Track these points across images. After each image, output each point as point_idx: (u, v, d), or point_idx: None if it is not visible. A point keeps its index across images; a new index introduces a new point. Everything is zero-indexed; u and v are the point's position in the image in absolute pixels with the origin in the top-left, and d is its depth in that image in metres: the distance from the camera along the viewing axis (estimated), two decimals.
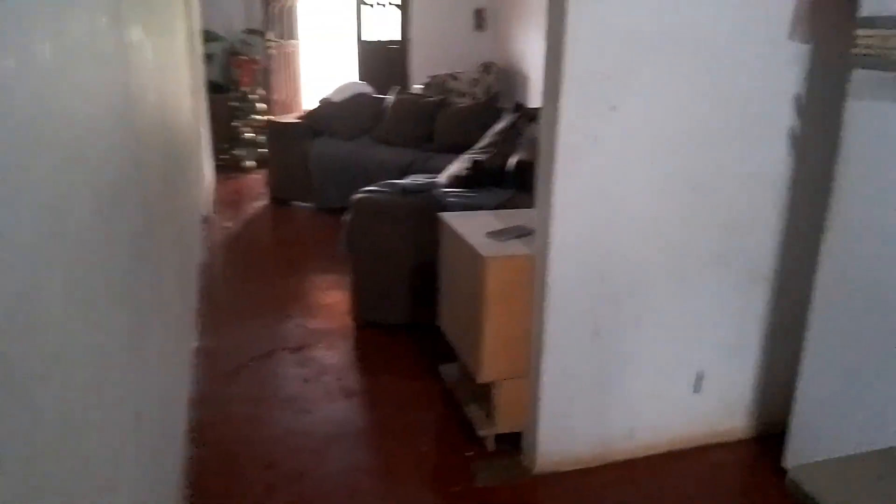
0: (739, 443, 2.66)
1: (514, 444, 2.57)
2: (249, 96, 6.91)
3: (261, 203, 5.90)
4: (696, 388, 2.54)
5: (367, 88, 6.14)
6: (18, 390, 0.78)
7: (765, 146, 2.34)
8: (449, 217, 2.74)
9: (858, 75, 1.99)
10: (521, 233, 2.57)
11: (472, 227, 2.63)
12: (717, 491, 2.48)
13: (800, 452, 2.34)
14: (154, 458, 1.71)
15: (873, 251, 2.05)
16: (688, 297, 2.43)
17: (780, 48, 2.25)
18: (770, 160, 2.37)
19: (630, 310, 2.38)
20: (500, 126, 4.15)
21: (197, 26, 5.53)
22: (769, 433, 2.65)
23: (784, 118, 2.33)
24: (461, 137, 5.12)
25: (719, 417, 2.62)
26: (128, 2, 1.92)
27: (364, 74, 7.69)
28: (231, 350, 3.32)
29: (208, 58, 6.71)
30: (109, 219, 1.36)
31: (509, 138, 3.93)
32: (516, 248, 2.44)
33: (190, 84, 4.49)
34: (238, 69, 6.95)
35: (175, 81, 3.35)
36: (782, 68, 2.28)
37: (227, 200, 6.02)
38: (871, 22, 1.91)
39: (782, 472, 2.39)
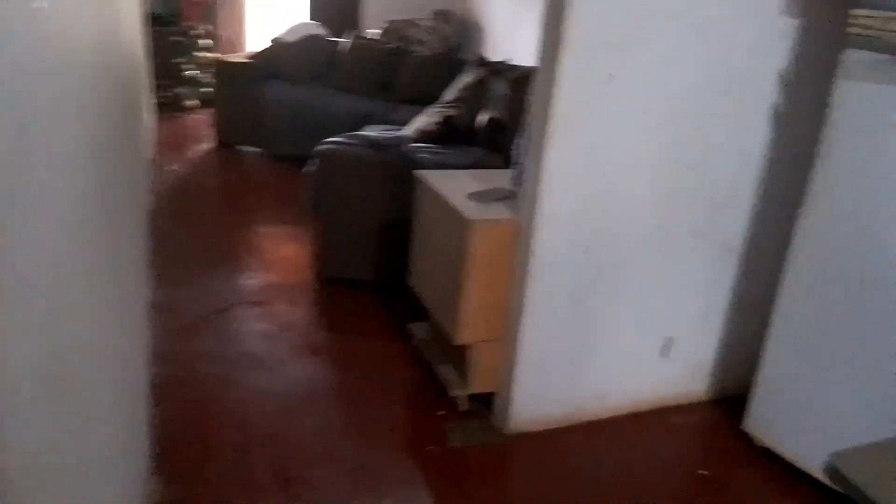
0: (701, 405, 2.77)
1: (484, 404, 2.59)
2: (193, 32, 6.52)
3: (206, 146, 5.64)
4: (664, 352, 2.61)
5: (320, 30, 5.88)
6: (68, 377, 0.71)
7: (750, 123, 2.37)
8: (427, 175, 2.68)
9: (851, 55, 2.02)
10: (502, 195, 2.54)
11: (451, 187, 2.58)
12: (680, 449, 2.58)
13: (760, 417, 2.45)
14: (126, 430, 1.62)
15: (848, 230, 2.12)
16: (664, 269, 2.47)
17: (773, 23, 2.25)
18: (754, 137, 2.40)
19: (609, 280, 2.40)
20: (466, 80, 4.06)
21: None
22: (730, 396, 2.77)
23: (770, 95, 2.36)
24: (422, 89, 4.99)
25: (684, 381, 2.71)
26: None
27: (314, 15, 7.36)
28: (188, 304, 3.19)
29: None
30: (105, 176, 1.25)
31: (477, 94, 3.85)
32: (500, 212, 2.41)
33: (138, 14, 4.18)
34: (181, 1, 6.54)
35: (130, 11, 3.11)
36: (773, 44, 2.29)
37: (170, 142, 5.72)
38: (870, 2, 1.93)
39: (742, 433, 2.51)
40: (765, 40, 2.26)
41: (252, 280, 3.49)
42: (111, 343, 1.17)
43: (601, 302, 2.42)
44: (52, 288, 0.66)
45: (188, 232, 4.10)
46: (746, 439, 2.51)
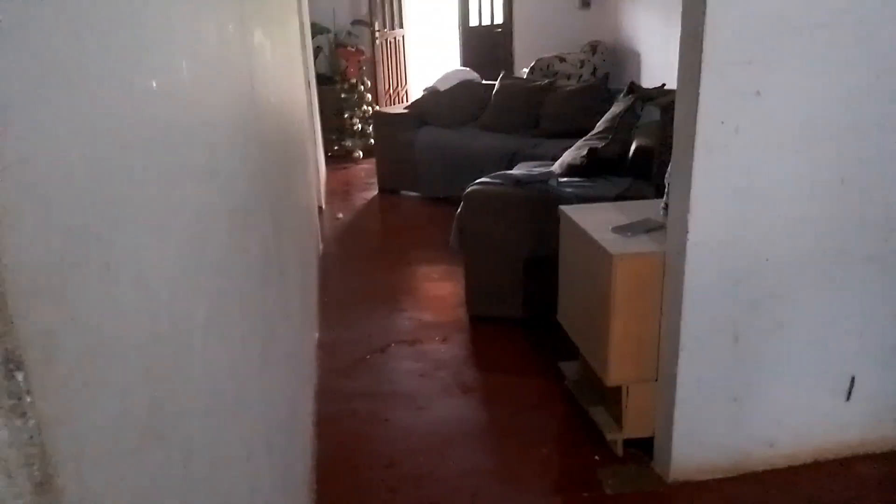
0: (894, 454, 2.41)
1: (641, 448, 2.45)
2: (358, 87, 6.98)
3: (370, 193, 5.97)
4: (848, 394, 2.32)
5: (472, 75, 6.05)
6: (171, 431, 0.76)
7: None
8: (570, 210, 2.62)
9: None
10: (649, 227, 2.42)
11: (594, 220, 2.50)
12: None
13: None
14: (285, 468, 1.71)
15: None
16: (837, 299, 2.21)
17: None
18: None
19: (773, 313, 2.18)
20: (615, 110, 3.96)
21: (306, 20, 5.63)
22: None
23: None
24: (569, 122, 4.94)
25: (871, 425, 2.38)
26: (250, 4, 1.92)
27: (468, 60, 7.60)
28: (349, 343, 3.35)
29: (316, 50, 6.83)
30: (242, 234, 1.35)
31: (625, 123, 3.73)
32: (645, 244, 2.30)
33: (303, 77, 4.56)
34: (345, 60, 7.04)
35: (290, 77, 3.40)
36: None
37: (339, 191, 6.13)
38: None
39: None
40: None
41: (407, 319, 3.60)
42: (245, 396, 1.24)
43: (763, 337, 2.20)
44: (148, 345, 0.72)
45: (351, 274, 4.34)
46: None
